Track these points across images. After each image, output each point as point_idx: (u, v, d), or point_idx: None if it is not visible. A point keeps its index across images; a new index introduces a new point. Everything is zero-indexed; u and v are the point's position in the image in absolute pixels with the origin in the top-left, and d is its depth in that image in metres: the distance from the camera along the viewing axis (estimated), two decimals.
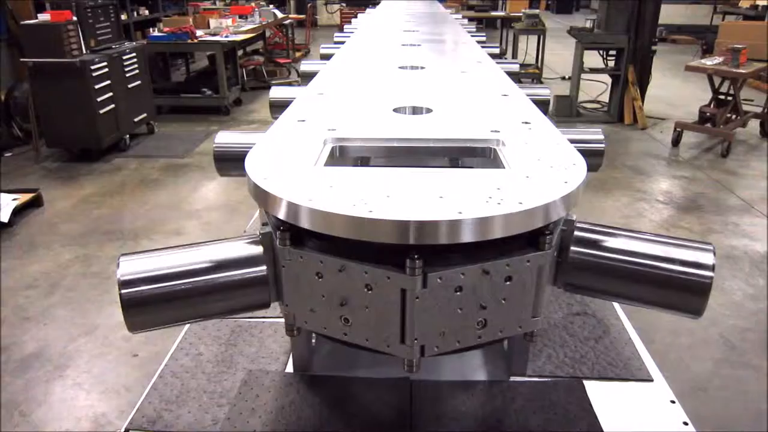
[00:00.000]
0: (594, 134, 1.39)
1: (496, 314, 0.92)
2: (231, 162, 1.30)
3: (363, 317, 0.91)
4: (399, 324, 0.88)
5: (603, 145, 1.37)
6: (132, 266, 0.93)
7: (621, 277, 0.96)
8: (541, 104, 1.53)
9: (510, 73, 1.83)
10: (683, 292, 0.93)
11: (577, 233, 0.99)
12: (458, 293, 0.87)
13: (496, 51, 2.53)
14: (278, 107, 1.56)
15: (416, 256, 0.82)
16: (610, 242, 0.98)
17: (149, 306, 0.93)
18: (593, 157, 1.28)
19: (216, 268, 0.95)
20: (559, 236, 0.97)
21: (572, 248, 0.98)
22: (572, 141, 1.12)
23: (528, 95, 1.53)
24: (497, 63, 1.99)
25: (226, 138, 1.34)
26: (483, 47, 2.40)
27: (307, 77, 1.85)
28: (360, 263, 0.87)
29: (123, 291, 0.91)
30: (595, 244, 0.98)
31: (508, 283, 0.90)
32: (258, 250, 0.97)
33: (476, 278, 0.87)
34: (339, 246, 0.87)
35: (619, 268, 0.96)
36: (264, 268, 0.97)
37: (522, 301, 0.93)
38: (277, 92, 1.73)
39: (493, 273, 0.88)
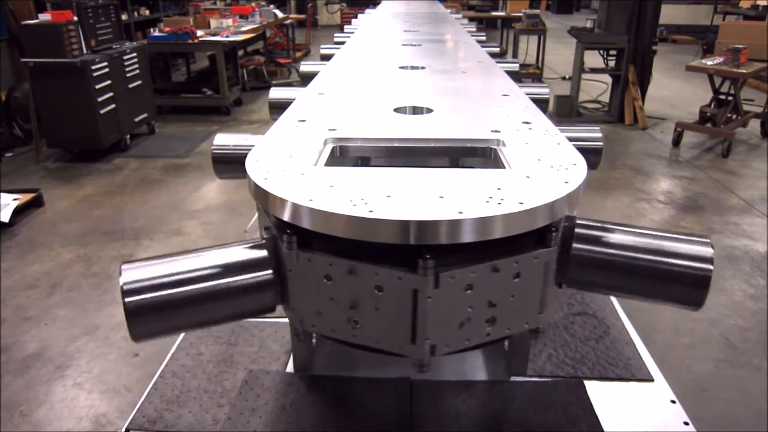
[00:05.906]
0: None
1: (505, 311, 0.92)
2: (229, 164, 1.31)
3: (373, 319, 0.90)
4: (410, 324, 0.88)
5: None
6: (135, 274, 0.89)
7: (623, 272, 0.97)
8: (540, 103, 1.55)
9: (510, 73, 1.83)
10: (685, 286, 0.93)
11: (578, 230, 0.99)
12: (468, 292, 0.87)
13: (496, 50, 2.52)
14: (278, 108, 1.56)
15: (428, 257, 0.82)
16: (611, 238, 0.99)
17: (155, 313, 0.89)
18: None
19: (222, 273, 0.93)
20: (560, 234, 0.97)
21: (574, 245, 0.98)
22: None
23: (527, 94, 1.55)
24: (497, 62, 1.99)
25: (224, 140, 1.35)
26: (483, 47, 2.40)
27: (307, 78, 1.83)
28: (370, 265, 0.86)
29: (127, 299, 0.86)
30: (596, 241, 0.98)
31: (516, 280, 0.90)
32: (263, 253, 0.96)
33: (486, 276, 0.87)
34: (347, 248, 0.86)
35: (621, 264, 0.96)
36: (270, 272, 0.95)
37: (529, 297, 0.93)
38: (276, 93, 1.72)
39: (503, 270, 0.88)
